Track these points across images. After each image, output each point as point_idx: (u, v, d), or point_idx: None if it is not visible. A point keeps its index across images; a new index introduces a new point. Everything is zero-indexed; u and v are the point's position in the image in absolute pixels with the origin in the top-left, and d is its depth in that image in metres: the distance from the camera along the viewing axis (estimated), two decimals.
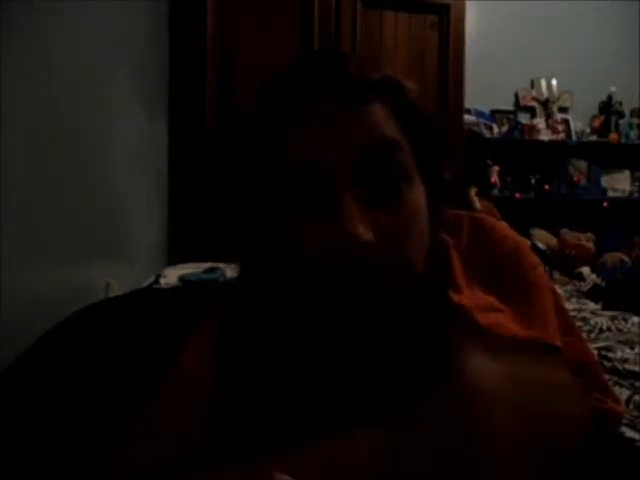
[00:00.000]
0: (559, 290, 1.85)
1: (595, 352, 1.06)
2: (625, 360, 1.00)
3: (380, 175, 0.40)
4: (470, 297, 0.44)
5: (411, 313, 0.40)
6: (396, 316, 0.40)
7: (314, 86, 0.40)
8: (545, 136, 2.65)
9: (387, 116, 0.41)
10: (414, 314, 0.41)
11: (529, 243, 2.48)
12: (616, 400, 0.47)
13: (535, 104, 2.72)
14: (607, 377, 0.91)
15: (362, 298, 0.39)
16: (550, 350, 0.43)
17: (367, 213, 0.38)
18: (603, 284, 1.91)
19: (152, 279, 1.37)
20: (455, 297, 0.44)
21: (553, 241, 2.57)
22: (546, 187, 2.66)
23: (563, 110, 2.75)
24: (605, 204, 2.71)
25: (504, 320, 0.43)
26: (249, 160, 0.43)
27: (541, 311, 0.46)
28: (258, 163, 0.42)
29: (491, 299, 0.45)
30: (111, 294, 1.08)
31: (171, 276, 1.33)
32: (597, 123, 2.80)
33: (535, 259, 0.49)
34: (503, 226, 0.51)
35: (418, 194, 0.42)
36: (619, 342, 1.13)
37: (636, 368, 0.96)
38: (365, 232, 0.37)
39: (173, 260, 1.64)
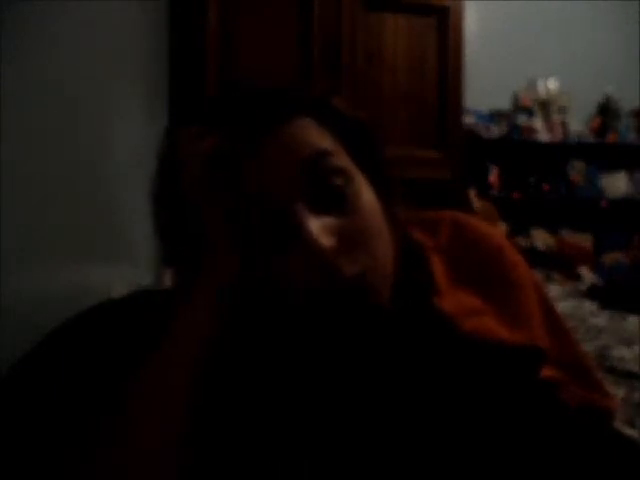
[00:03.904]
0: (555, 289, 1.86)
1: (592, 351, 1.06)
2: (623, 359, 1.01)
3: (324, 185, 0.40)
4: (453, 301, 0.44)
5: (392, 323, 0.41)
6: (378, 331, 0.40)
7: (234, 117, 0.40)
8: (543, 137, 2.65)
9: (317, 129, 0.41)
10: (395, 324, 0.41)
11: (532, 242, 2.50)
12: (608, 396, 0.47)
13: (534, 105, 2.73)
14: (604, 376, 0.92)
15: (342, 314, 0.39)
16: (535, 354, 0.43)
17: (324, 221, 0.39)
18: (601, 284, 1.91)
19: (154, 279, 1.37)
20: (437, 302, 0.43)
21: (552, 241, 2.58)
22: (545, 187, 2.67)
23: (561, 111, 2.76)
24: (603, 204, 2.72)
25: (489, 323, 0.43)
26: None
27: (526, 311, 0.45)
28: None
29: (475, 301, 0.44)
30: (113, 294, 1.08)
31: (172, 277, 1.33)
32: (595, 124, 2.81)
33: (517, 257, 0.49)
34: (485, 224, 0.51)
35: (366, 196, 0.42)
36: (617, 341, 1.13)
37: (633, 367, 0.96)
38: (326, 239, 0.38)
39: None
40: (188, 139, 0.41)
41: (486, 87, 2.56)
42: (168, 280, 1.31)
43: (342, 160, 0.42)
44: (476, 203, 2.34)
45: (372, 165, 0.44)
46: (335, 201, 0.40)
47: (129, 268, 1.33)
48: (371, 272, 0.40)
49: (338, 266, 0.38)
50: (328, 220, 0.39)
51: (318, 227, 0.38)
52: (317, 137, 0.41)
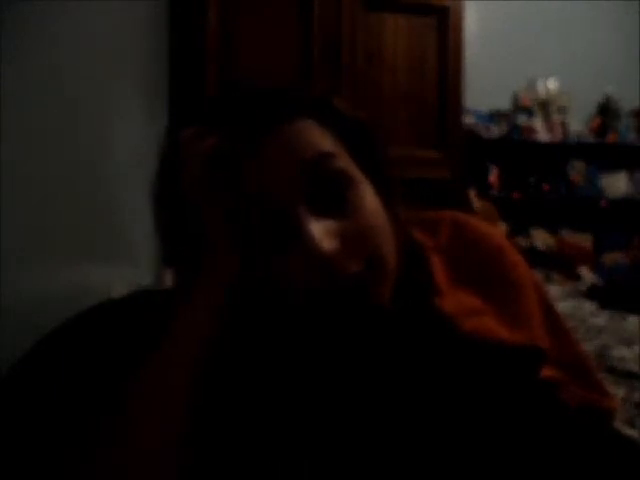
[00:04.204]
0: (555, 289, 1.86)
1: (592, 351, 1.06)
2: (622, 359, 1.01)
3: (325, 187, 0.40)
4: (453, 301, 0.44)
5: (393, 324, 0.41)
6: (379, 330, 0.40)
7: (238, 116, 0.40)
8: (543, 137, 2.65)
9: (318, 130, 0.41)
10: (396, 325, 0.41)
11: (532, 242, 2.50)
12: (609, 396, 0.47)
13: (533, 105, 2.73)
14: (604, 376, 0.92)
15: (343, 316, 0.39)
16: (535, 354, 0.43)
17: (325, 224, 0.39)
18: (601, 284, 1.91)
19: (154, 279, 1.37)
20: (437, 302, 0.43)
21: (552, 241, 2.58)
22: (545, 187, 2.67)
23: (561, 111, 2.76)
24: (603, 204, 2.72)
25: (489, 324, 0.43)
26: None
27: (526, 311, 0.45)
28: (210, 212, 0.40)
29: (475, 301, 0.45)
30: (113, 294, 1.08)
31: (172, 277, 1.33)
32: (595, 124, 2.81)
33: (517, 257, 0.49)
34: (485, 224, 0.51)
35: (368, 197, 0.42)
36: (617, 341, 1.13)
37: (633, 367, 0.96)
38: (328, 242, 0.38)
39: None
40: (189, 139, 0.41)
41: (486, 87, 2.56)
42: (168, 280, 1.31)
43: (344, 162, 0.42)
44: (476, 203, 2.35)
45: (373, 166, 0.44)
46: (336, 203, 0.40)
47: (129, 268, 1.33)
48: (373, 273, 0.40)
49: (340, 268, 0.38)
50: (329, 223, 0.39)
51: (319, 230, 0.38)
52: (319, 138, 0.41)
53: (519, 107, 2.73)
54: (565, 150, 2.72)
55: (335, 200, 0.40)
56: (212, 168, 0.39)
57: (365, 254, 0.40)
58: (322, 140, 0.41)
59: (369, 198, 0.42)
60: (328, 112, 0.43)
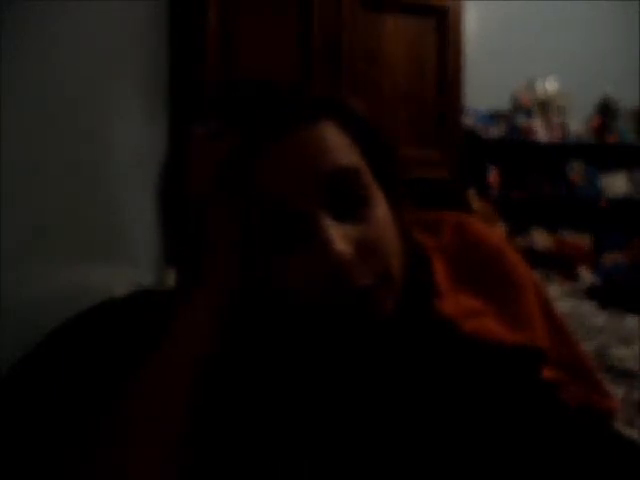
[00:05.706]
0: (554, 289, 1.86)
1: (592, 351, 1.06)
2: (622, 358, 1.01)
3: (345, 195, 0.40)
4: (453, 302, 0.44)
5: (393, 325, 0.41)
6: (380, 332, 0.40)
7: (263, 116, 0.40)
8: (543, 137, 2.65)
9: (338, 133, 0.41)
10: (396, 326, 0.41)
11: (531, 243, 2.50)
12: (609, 396, 0.48)
13: (533, 105, 2.73)
14: (604, 375, 0.92)
15: (351, 322, 0.39)
16: (536, 354, 0.44)
17: (343, 229, 0.39)
18: (599, 284, 1.92)
19: (154, 279, 1.37)
20: (438, 303, 0.44)
21: (551, 241, 2.58)
22: (545, 187, 2.67)
23: (561, 111, 2.76)
24: (603, 204, 2.72)
25: (489, 324, 0.43)
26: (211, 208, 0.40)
27: (526, 312, 0.46)
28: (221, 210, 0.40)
29: (476, 302, 0.45)
30: (113, 294, 1.08)
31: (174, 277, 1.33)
32: (595, 124, 2.81)
33: (517, 258, 0.49)
34: (485, 226, 0.51)
35: (381, 206, 0.42)
36: (616, 341, 1.13)
37: (633, 366, 0.96)
38: (345, 247, 0.38)
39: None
40: (202, 138, 0.41)
41: (486, 87, 2.56)
42: (169, 280, 1.31)
43: (364, 174, 0.42)
44: (475, 203, 2.35)
45: (386, 172, 0.44)
46: (350, 208, 0.40)
47: (129, 268, 1.33)
48: (381, 287, 0.40)
49: (352, 276, 0.38)
50: (346, 228, 0.39)
51: (338, 234, 0.38)
52: (339, 143, 0.41)
53: (518, 107, 2.73)
54: (564, 150, 2.72)
55: (349, 205, 0.40)
56: (225, 168, 0.39)
57: (376, 267, 0.40)
58: (342, 147, 0.41)
59: (382, 207, 0.42)
60: (346, 114, 0.43)
